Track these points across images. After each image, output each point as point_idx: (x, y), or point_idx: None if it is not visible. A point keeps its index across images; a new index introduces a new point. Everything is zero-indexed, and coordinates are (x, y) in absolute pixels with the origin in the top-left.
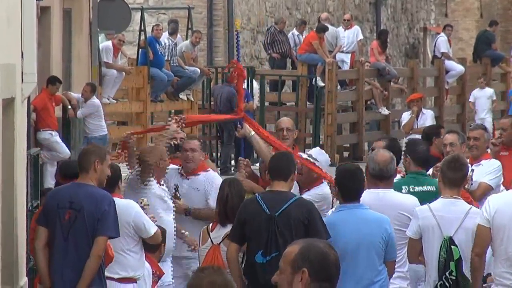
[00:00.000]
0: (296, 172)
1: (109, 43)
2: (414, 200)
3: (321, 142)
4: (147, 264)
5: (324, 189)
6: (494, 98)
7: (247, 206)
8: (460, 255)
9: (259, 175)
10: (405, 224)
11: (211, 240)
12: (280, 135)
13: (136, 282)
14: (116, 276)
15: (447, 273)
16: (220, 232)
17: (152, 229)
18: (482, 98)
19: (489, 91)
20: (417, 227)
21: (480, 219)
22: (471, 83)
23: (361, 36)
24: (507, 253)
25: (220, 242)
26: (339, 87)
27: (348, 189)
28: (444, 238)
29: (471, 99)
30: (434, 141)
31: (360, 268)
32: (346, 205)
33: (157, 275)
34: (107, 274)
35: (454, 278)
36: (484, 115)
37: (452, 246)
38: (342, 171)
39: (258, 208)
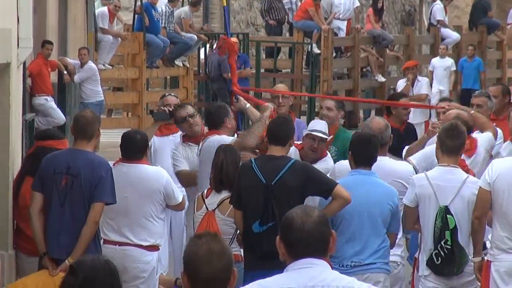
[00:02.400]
0: (293, 138)
1: (105, 9)
2: (409, 167)
3: (316, 110)
4: None
5: (329, 162)
6: (453, 69)
7: (243, 174)
8: (455, 224)
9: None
10: (400, 191)
11: (206, 207)
12: (276, 102)
13: (159, 249)
14: (145, 244)
15: (442, 242)
16: (215, 198)
17: (180, 196)
18: (440, 68)
19: (448, 61)
20: (414, 195)
21: (482, 182)
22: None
23: (357, 3)
24: (506, 217)
25: (215, 209)
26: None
27: (361, 155)
28: (440, 207)
29: (430, 68)
30: (392, 111)
31: (366, 233)
32: (359, 170)
33: None
34: (135, 241)
35: (449, 247)
36: (441, 87)
37: (448, 215)
38: (357, 137)
39: (254, 177)
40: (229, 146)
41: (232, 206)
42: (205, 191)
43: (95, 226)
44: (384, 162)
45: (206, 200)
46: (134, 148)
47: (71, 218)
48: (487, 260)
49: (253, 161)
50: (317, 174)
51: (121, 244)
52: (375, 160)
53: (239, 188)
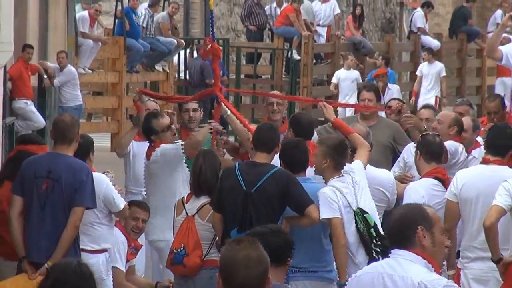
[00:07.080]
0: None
1: (85, 13)
2: (389, 175)
3: None
4: (123, 237)
5: None
6: (360, 81)
7: (225, 178)
8: (375, 221)
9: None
10: (380, 199)
11: (186, 212)
12: (270, 108)
13: (106, 251)
14: (88, 248)
15: (374, 241)
16: (194, 204)
17: (121, 203)
18: (347, 80)
19: (354, 73)
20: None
21: (448, 194)
22: (447, 59)
23: (338, 10)
24: (474, 226)
25: (195, 214)
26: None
27: (291, 162)
28: (355, 211)
29: (334, 80)
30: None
31: (306, 240)
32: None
33: (133, 247)
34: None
35: (380, 243)
36: (348, 98)
37: (365, 215)
38: (285, 144)
39: (236, 183)
40: (208, 151)
41: (212, 211)
42: (185, 196)
43: (75, 231)
44: (366, 169)
45: (186, 205)
46: (75, 152)
47: (51, 222)
48: (458, 268)
49: (236, 165)
50: (297, 188)
51: None
52: (306, 165)
53: (221, 190)
